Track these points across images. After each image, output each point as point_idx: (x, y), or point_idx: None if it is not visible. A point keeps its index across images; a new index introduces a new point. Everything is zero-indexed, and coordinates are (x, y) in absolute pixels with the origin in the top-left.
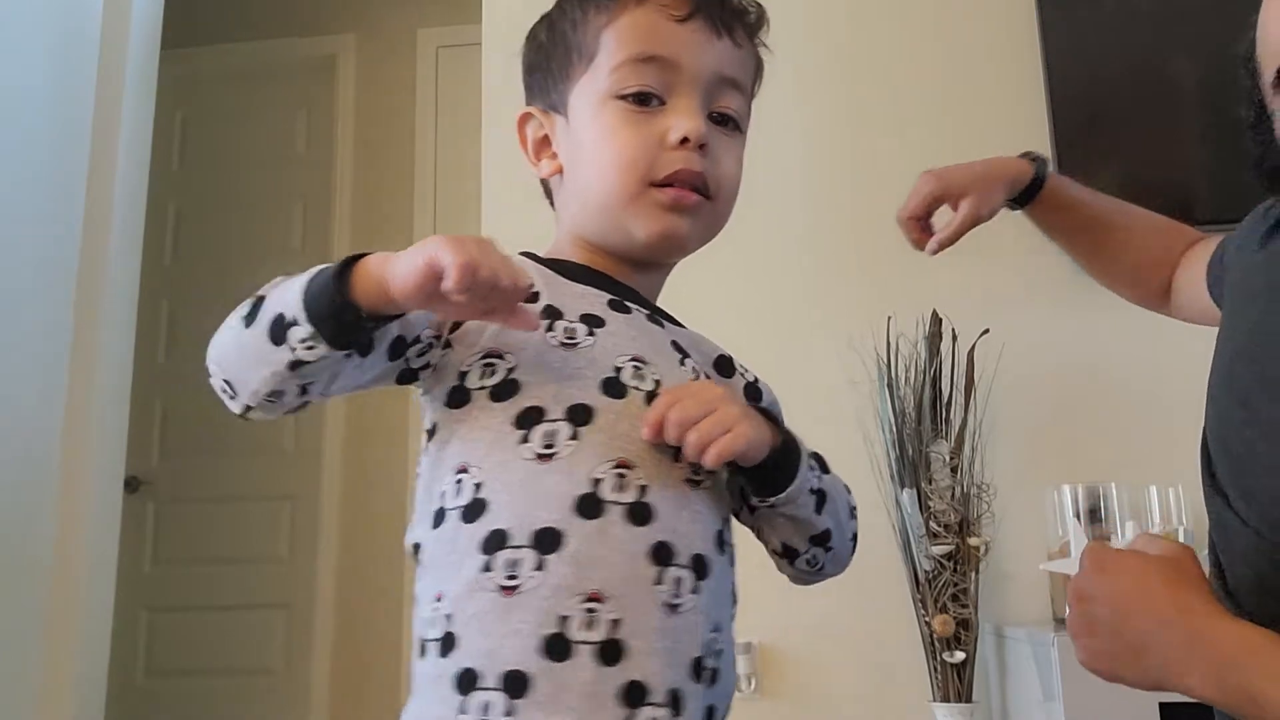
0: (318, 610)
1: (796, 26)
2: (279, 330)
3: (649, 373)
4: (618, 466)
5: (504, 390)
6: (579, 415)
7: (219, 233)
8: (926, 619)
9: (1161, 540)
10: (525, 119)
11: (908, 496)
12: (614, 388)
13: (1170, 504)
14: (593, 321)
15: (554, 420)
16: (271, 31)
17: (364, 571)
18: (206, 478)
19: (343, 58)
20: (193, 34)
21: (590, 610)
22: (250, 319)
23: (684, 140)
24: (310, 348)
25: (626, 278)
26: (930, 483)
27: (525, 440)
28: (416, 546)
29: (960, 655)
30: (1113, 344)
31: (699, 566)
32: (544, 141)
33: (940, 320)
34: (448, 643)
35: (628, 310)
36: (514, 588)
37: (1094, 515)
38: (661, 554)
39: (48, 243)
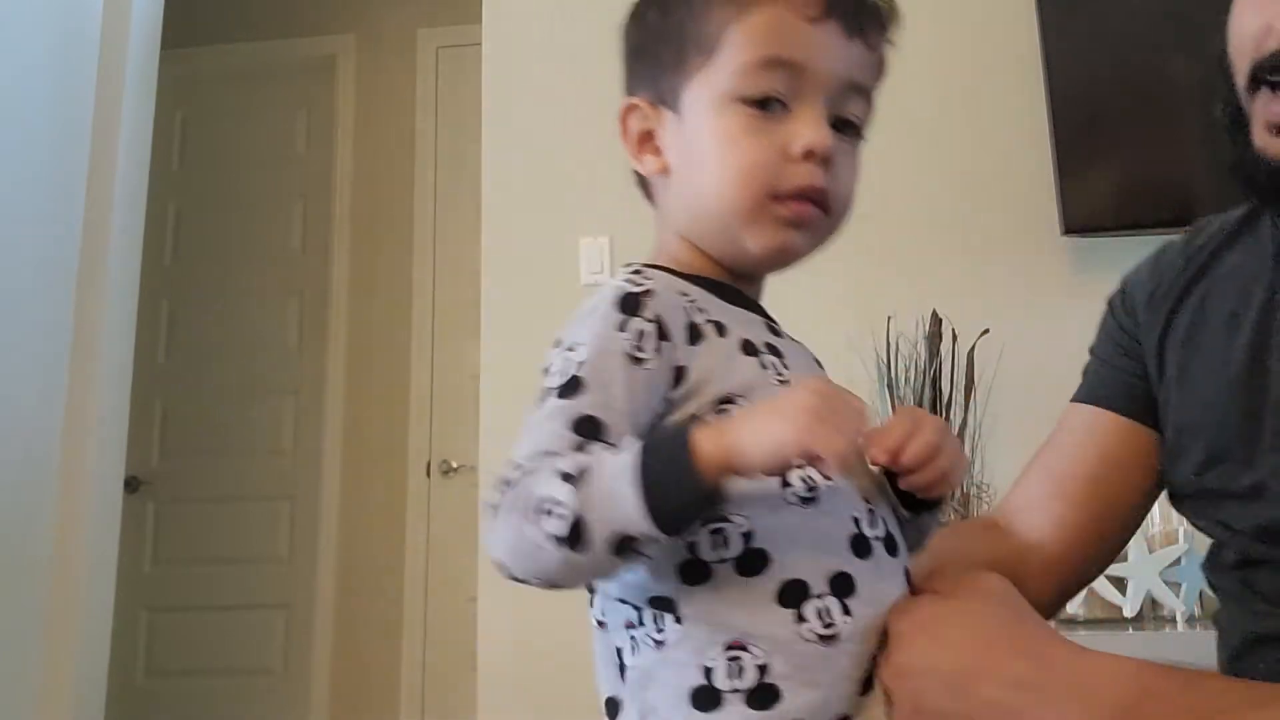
0: (317, 610)
1: None
2: (623, 547)
3: None
4: (864, 501)
5: None
6: None
7: (219, 233)
8: None
9: (967, 573)
10: (630, 110)
11: None
12: None
13: (1169, 504)
14: (776, 352)
15: (802, 464)
16: (271, 31)
17: (364, 571)
18: (206, 478)
19: (343, 58)
20: (193, 34)
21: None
22: (576, 544)
23: (808, 153)
24: (658, 544)
25: (739, 286)
26: None
27: (785, 484)
28: (662, 600)
29: None
30: None
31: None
32: (647, 135)
33: (940, 320)
34: (766, 695)
35: (782, 335)
36: (833, 636)
37: None
38: (909, 580)
39: (48, 243)
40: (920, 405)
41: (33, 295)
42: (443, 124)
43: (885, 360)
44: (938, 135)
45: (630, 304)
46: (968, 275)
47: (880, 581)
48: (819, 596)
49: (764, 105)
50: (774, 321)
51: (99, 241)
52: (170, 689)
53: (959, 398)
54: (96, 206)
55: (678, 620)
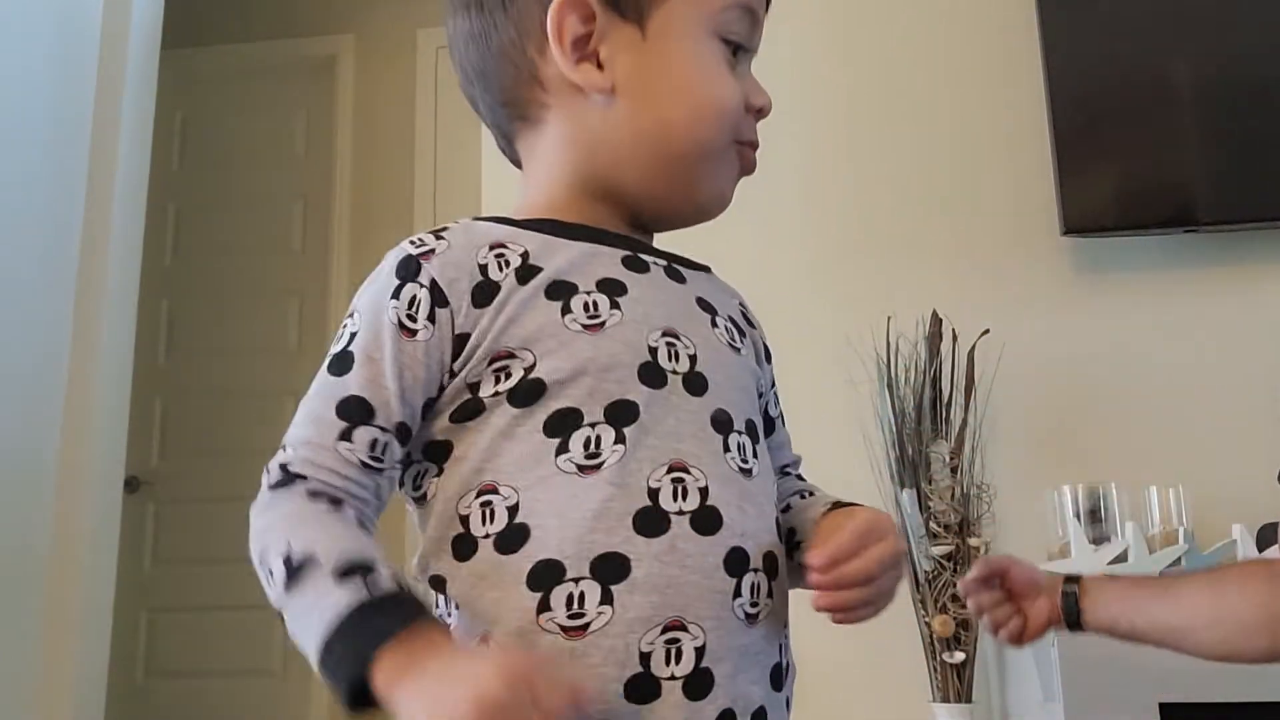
0: None
1: (794, 25)
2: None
3: (682, 348)
4: (671, 470)
5: (527, 393)
6: (621, 414)
7: (219, 233)
8: (926, 619)
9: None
10: (572, 6)
11: (908, 497)
12: (653, 374)
13: (1170, 504)
14: (613, 288)
15: (592, 423)
16: (271, 32)
17: None
18: (206, 478)
19: (342, 58)
20: (193, 34)
21: (672, 641)
22: (284, 616)
23: (760, 111)
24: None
25: (624, 232)
26: (930, 483)
27: (563, 450)
28: (438, 580)
29: (960, 655)
30: (1112, 344)
31: (770, 566)
32: (585, 41)
33: (940, 320)
34: None
35: (645, 267)
36: (582, 628)
37: (1094, 515)
38: (736, 562)
39: (48, 242)
40: (920, 405)
41: (33, 295)
42: (443, 124)
43: (885, 360)
44: (937, 135)
45: (406, 267)
46: (968, 275)
47: (672, 565)
48: (573, 580)
49: (735, 51)
50: (646, 251)
51: (99, 241)
52: (170, 689)
53: (959, 398)
54: (96, 206)
55: (454, 606)
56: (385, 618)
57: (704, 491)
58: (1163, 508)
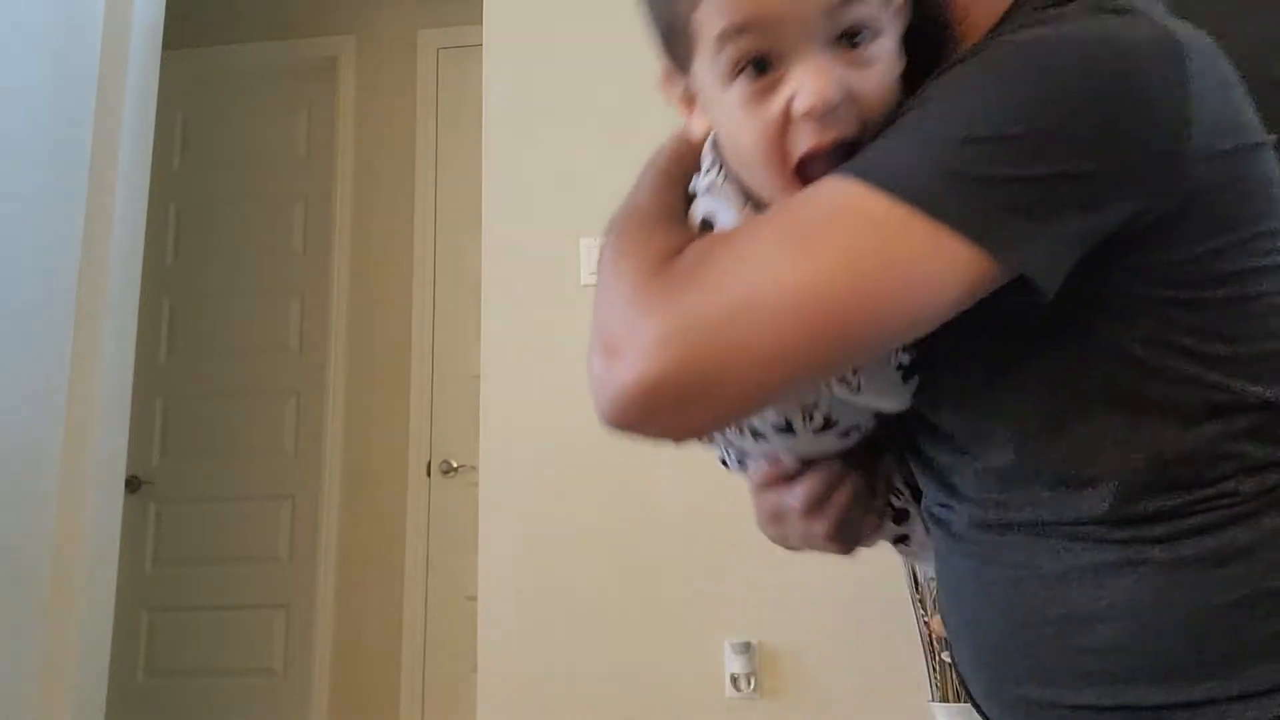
0: (318, 610)
1: None
2: None
3: None
4: None
5: None
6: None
7: (219, 233)
8: (926, 619)
9: None
10: (667, 77)
11: None
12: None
13: None
14: None
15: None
16: (272, 33)
17: (364, 571)
18: (206, 478)
19: (343, 59)
20: (194, 35)
21: None
22: None
23: (806, 115)
24: None
25: None
26: None
27: None
28: None
29: None
30: None
31: None
32: (691, 97)
33: None
34: None
35: None
36: None
37: None
38: None
39: (49, 243)
40: None
41: (34, 295)
42: (443, 124)
43: None
44: None
45: None
46: None
47: None
48: None
49: (760, 69)
50: None
51: (100, 241)
52: (170, 689)
53: None
54: (98, 206)
55: None
56: None
57: None
58: None
